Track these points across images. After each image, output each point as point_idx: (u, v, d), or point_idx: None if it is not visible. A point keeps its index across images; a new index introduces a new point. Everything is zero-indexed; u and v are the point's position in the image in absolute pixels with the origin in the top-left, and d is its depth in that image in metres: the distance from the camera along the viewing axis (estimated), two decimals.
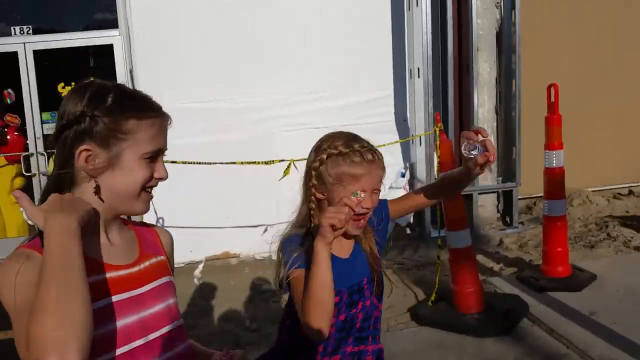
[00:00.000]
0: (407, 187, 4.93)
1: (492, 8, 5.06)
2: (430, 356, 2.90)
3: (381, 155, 1.38)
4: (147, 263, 1.12)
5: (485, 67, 5.07)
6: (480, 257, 4.09)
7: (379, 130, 4.86)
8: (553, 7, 5.19)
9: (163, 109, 1.08)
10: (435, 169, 4.51)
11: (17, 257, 0.92)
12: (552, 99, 3.58)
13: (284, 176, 3.50)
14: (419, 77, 4.89)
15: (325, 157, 1.35)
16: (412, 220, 4.94)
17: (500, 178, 5.09)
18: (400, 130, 5.16)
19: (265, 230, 4.41)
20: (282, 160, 3.63)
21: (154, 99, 1.09)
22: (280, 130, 4.75)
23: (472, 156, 1.27)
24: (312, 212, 1.39)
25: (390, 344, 2.84)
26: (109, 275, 1.02)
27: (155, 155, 1.05)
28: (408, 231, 4.93)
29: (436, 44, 4.85)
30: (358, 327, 1.43)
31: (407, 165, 5.10)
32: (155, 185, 1.08)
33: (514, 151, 4.94)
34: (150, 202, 1.10)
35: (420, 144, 4.93)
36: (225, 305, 3.76)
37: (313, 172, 1.37)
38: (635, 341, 2.70)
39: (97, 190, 1.02)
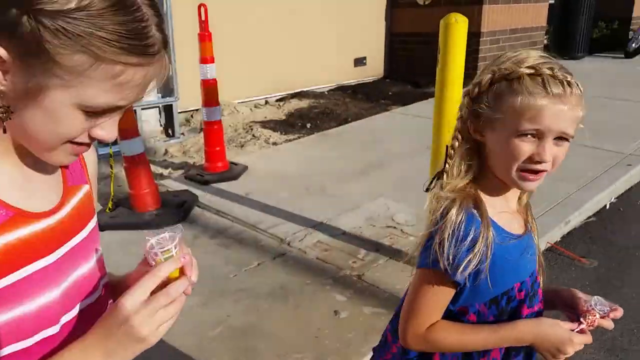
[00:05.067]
0: None
1: None
2: (116, 251, 3.13)
3: (579, 86, 0.96)
4: (73, 202, 0.82)
5: None
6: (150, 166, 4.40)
7: None
8: None
9: (163, 46, 0.69)
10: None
11: None
12: (203, 17, 4.02)
13: None
14: None
15: (489, 79, 0.99)
16: None
17: (160, 94, 5.41)
18: None
19: None
20: None
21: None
22: None
23: (599, 312, 1.08)
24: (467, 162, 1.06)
25: None
26: (25, 230, 0.72)
27: (104, 112, 0.69)
28: None
29: None
30: None
31: None
32: (92, 142, 0.73)
33: (170, 68, 5.27)
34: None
35: None
36: None
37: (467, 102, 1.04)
38: (270, 204, 3.57)
39: (3, 114, 0.66)
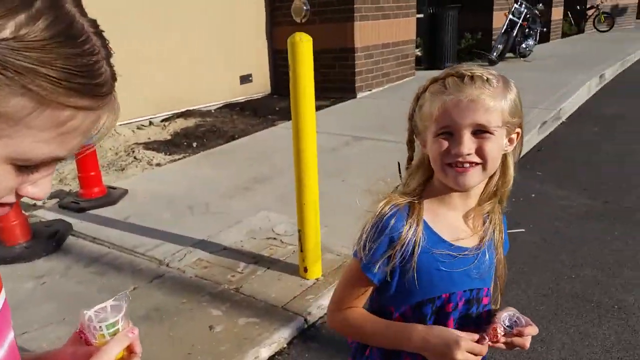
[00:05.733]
0: None
1: None
2: None
3: (491, 80, 0.98)
4: None
5: None
6: None
7: None
8: None
9: (113, 84, 0.57)
10: None
11: None
12: None
13: None
14: None
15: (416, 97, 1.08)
16: None
17: None
18: None
19: None
20: None
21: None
22: None
23: (506, 328, 1.03)
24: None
25: None
26: None
27: (41, 166, 0.55)
28: None
29: None
30: None
31: None
32: (16, 201, 0.59)
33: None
34: None
35: None
36: None
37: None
38: (147, 226, 3.54)
39: None
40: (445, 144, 0.99)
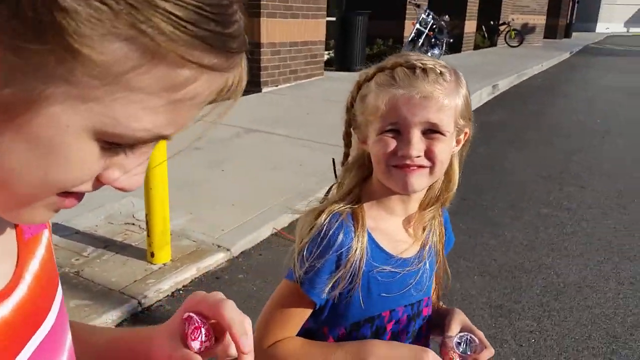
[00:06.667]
0: None
1: None
2: None
3: (445, 73, 0.89)
4: (33, 265, 0.49)
5: None
6: None
7: None
8: None
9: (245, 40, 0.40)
10: None
11: None
12: None
13: None
14: None
15: (355, 87, 0.97)
16: None
17: None
18: None
19: None
20: None
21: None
22: None
23: (460, 353, 0.97)
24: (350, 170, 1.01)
25: None
26: None
27: (136, 145, 0.39)
28: None
29: None
30: None
31: None
32: (92, 190, 0.42)
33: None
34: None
35: None
36: None
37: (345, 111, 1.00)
38: None
39: None
40: (392, 143, 0.89)
